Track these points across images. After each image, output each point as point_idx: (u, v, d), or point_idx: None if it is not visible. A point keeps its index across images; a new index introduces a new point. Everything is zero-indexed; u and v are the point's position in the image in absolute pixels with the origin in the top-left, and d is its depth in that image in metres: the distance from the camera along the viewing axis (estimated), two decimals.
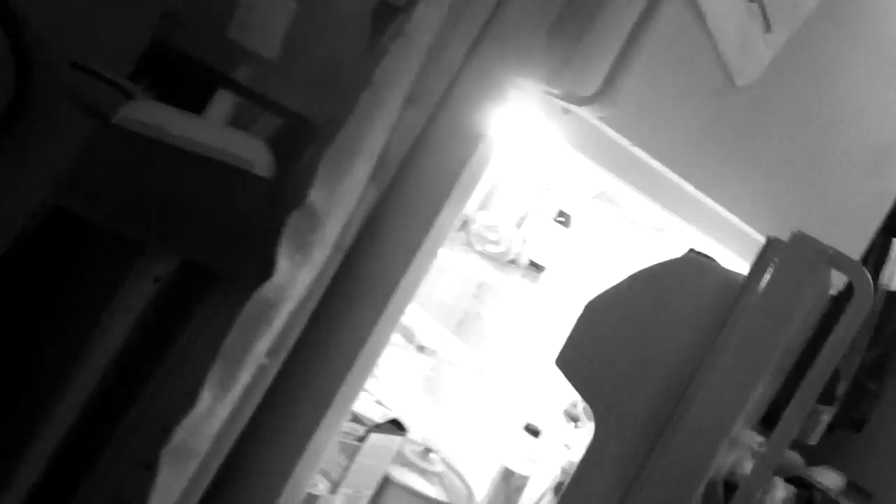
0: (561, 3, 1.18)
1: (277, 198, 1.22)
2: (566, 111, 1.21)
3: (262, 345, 1.20)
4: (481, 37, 1.24)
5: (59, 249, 1.36)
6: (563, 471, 1.80)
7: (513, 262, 1.81)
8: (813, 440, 2.66)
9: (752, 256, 1.59)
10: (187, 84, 1.40)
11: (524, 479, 1.78)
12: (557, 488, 1.81)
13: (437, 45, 1.21)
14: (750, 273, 1.08)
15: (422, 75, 1.22)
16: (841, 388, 2.62)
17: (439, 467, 1.77)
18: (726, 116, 1.41)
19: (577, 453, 1.82)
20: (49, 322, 1.35)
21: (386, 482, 1.61)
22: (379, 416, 1.54)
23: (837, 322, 1.06)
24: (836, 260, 1.08)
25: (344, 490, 1.52)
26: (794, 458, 2.75)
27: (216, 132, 1.27)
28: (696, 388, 1.06)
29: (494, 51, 1.24)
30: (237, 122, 1.36)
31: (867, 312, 1.07)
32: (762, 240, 1.58)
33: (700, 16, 1.25)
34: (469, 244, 1.73)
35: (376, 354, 1.28)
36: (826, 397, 2.58)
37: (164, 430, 1.19)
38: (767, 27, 1.33)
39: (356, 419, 1.50)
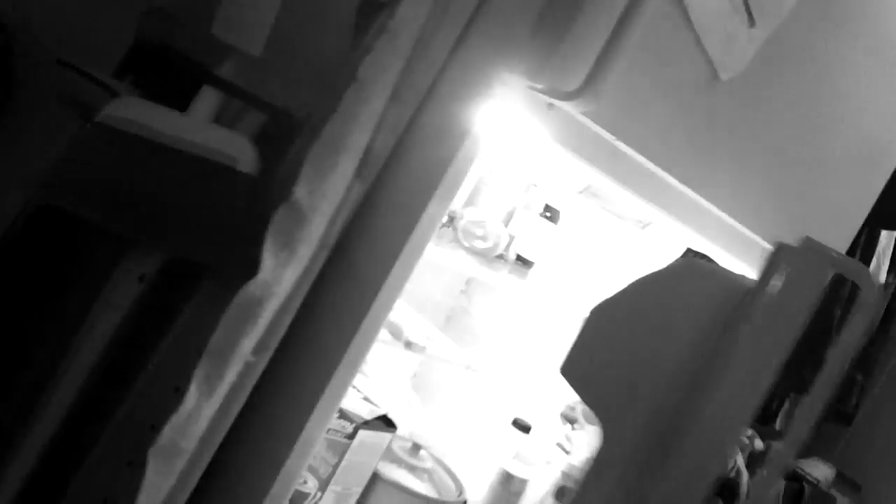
0: None
1: (262, 194, 1.21)
2: (550, 106, 1.21)
3: (249, 342, 1.20)
4: (465, 33, 1.24)
5: (46, 248, 1.36)
6: (564, 474, 1.80)
7: (500, 257, 1.81)
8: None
9: (737, 250, 1.61)
10: (172, 81, 1.39)
11: (523, 483, 1.78)
12: (559, 493, 1.80)
13: (422, 42, 1.21)
14: (760, 278, 1.07)
15: (406, 71, 1.22)
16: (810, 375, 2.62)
17: (429, 463, 1.77)
18: (711, 111, 1.42)
19: (576, 456, 1.82)
20: (36, 321, 1.34)
21: (375, 479, 1.60)
22: (367, 412, 1.54)
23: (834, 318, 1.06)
24: (845, 265, 1.07)
25: (333, 487, 1.51)
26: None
27: (200, 129, 1.27)
28: (707, 394, 1.05)
29: (478, 47, 1.24)
30: (222, 118, 1.36)
31: (875, 318, 1.07)
32: (748, 234, 1.59)
33: (683, 10, 1.25)
34: (456, 240, 1.73)
35: (363, 351, 1.28)
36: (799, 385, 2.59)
37: (152, 428, 1.19)
38: (751, 21, 1.33)
39: (344, 416, 1.50)
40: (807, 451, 2.85)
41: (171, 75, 1.40)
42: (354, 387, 1.59)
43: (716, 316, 1.07)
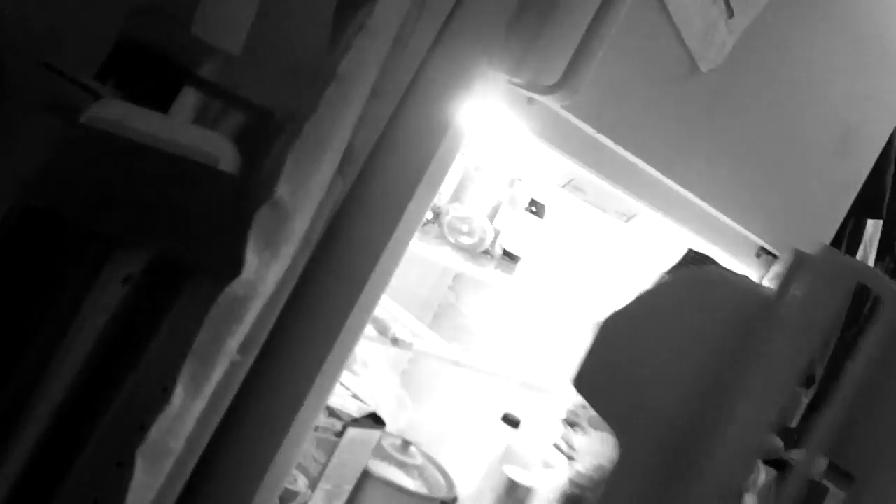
0: None
1: (244, 193, 1.21)
2: (530, 101, 1.22)
3: (234, 341, 1.20)
4: (444, 29, 1.25)
5: (32, 251, 1.36)
6: (571, 482, 1.80)
7: (487, 253, 1.82)
8: (793, 422, 2.67)
9: (720, 240, 1.61)
10: (154, 82, 1.39)
11: (528, 491, 1.78)
12: (568, 502, 1.79)
13: (401, 38, 1.22)
14: (780, 288, 1.06)
15: (386, 68, 1.22)
16: (819, 371, 2.64)
17: (419, 460, 1.77)
18: (691, 102, 1.42)
19: (583, 463, 1.82)
20: (23, 323, 1.34)
21: (365, 476, 1.61)
22: (356, 410, 1.54)
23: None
24: (865, 275, 1.07)
25: (323, 485, 1.52)
26: (775, 440, 2.77)
27: (182, 129, 1.27)
28: (728, 407, 1.04)
29: (458, 42, 1.25)
30: (204, 118, 1.36)
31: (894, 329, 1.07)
32: (731, 224, 1.60)
33: (662, 2, 1.26)
34: (442, 236, 1.74)
35: (349, 348, 1.29)
36: (805, 380, 2.60)
37: (141, 429, 1.19)
38: (730, 12, 1.34)
39: (333, 414, 1.50)
40: (798, 442, 2.86)
41: (153, 76, 1.40)
42: (343, 384, 1.59)
43: (733, 326, 1.05)
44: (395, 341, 1.49)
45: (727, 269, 1.38)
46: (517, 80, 1.18)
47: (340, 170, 1.23)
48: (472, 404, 2.01)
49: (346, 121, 1.21)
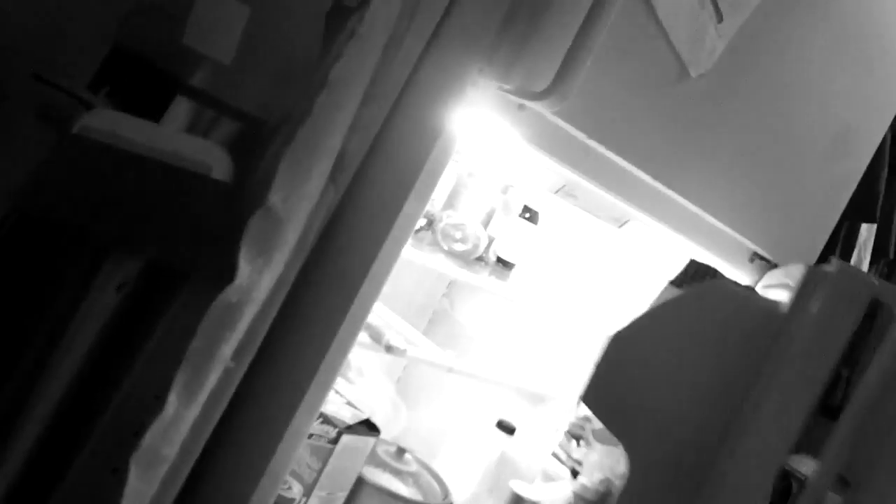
0: None
1: (237, 201, 1.22)
2: (521, 107, 1.22)
3: (228, 348, 1.20)
4: (435, 36, 1.25)
5: (27, 259, 1.36)
6: (576, 496, 1.79)
7: (480, 259, 1.82)
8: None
9: (713, 245, 1.61)
10: (146, 91, 1.40)
11: None
12: None
13: (392, 45, 1.22)
14: (795, 303, 1.05)
15: (377, 75, 1.23)
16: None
17: (413, 467, 1.77)
18: (683, 107, 1.43)
19: (588, 477, 1.81)
20: (18, 331, 1.34)
21: (360, 483, 1.61)
22: (350, 417, 1.54)
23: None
24: (882, 290, 1.06)
25: (318, 492, 1.52)
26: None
27: (174, 138, 1.28)
28: (743, 425, 1.03)
29: (448, 49, 1.25)
30: (197, 127, 1.37)
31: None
32: (724, 229, 1.60)
33: (650, 8, 1.26)
34: (436, 243, 1.74)
35: (343, 354, 1.29)
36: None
37: (135, 436, 1.19)
38: (719, 17, 1.35)
39: (328, 421, 1.50)
40: (795, 448, 2.86)
41: (144, 86, 1.41)
42: (338, 392, 1.59)
43: (746, 343, 1.04)
44: (389, 348, 1.49)
45: (737, 284, 1.36)
46: (507, 87, 1.18)
47: (333, 176, 1.23)
48: (467, 411, 2.01)
49: (338, 127, 1.21)
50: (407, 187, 1.23)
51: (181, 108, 1.35)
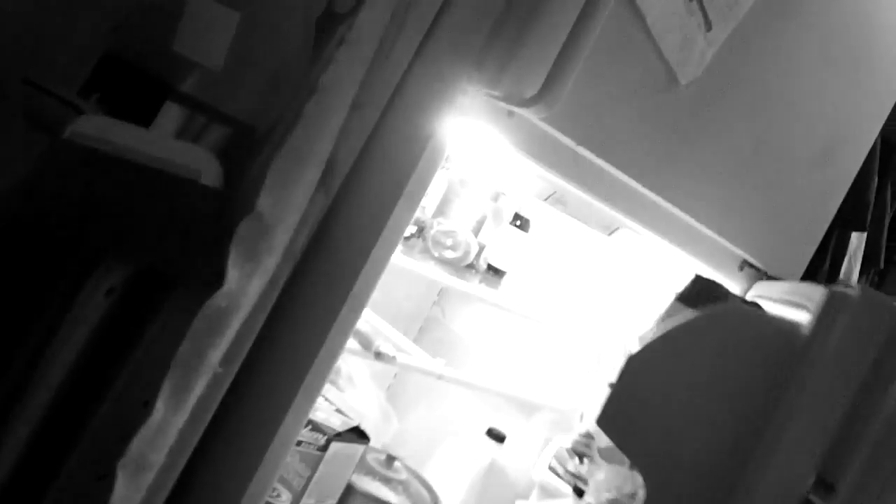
0: (501, 4, 1.19)
1: (226, 206, 1.22)
2: (510, 114, 1.22)
3: (216, 354, 1.20)
4: (424, 42, 1.25)
5: (13, 264, 1.36)
6: None
7: (471, 267, 1.82)
8: None
9: (703, 253, 1.61)
10: (137, 97, 1.40)
11: None
12: None
13: (381, 52, 1.23)
14: (817, 327, 1.03)
15: (367, 81, 1.23)
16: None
17: (403, 475, 1.77)
18: (672, 114, 1.43)
19: (596, 497, 1.80)
20: (5, 337, 1.34)
21: (349, 491, 1.60)
22: (340, 424, 1.54)
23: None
24: None
25: (307, 500, 1.51)
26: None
27: (164, 143, 1.28)
28: (764, 451, 1.01)
29: (438, 56, 1.25)
30: (187, 132, 1.37)
31: None
32: (713, 237, 1.61)
33: (639, 15, 1.27)
34: (426, 250, 1.75)
35: (332, 360, 1.28)
36: None
37: (122, 442, 1.19)
38: (708, 25, 1.35)
39: (317, 428, 1.50)
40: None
41: (135, 92, 1.41)
42: (327, 399, 1.59)
43: (766, 367, 1.02)
44: (378, 355, 1.49)
45: (750, 302, 1.34)
46: (496, 93, 1.18)
47: (322, 182, 1.23)
48: (457, 419, 2.01)
49: (328, 134, 1.21)
50: (396, 194, 1.23)
51: (171, 114, 1.35)
